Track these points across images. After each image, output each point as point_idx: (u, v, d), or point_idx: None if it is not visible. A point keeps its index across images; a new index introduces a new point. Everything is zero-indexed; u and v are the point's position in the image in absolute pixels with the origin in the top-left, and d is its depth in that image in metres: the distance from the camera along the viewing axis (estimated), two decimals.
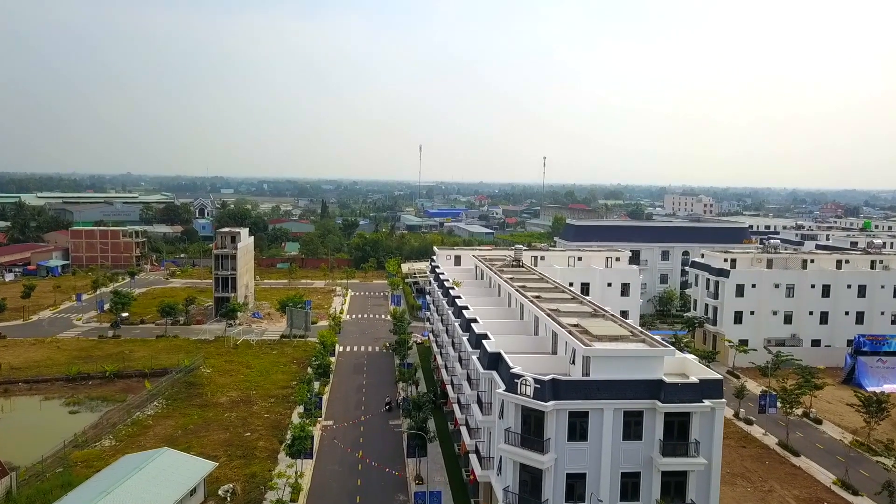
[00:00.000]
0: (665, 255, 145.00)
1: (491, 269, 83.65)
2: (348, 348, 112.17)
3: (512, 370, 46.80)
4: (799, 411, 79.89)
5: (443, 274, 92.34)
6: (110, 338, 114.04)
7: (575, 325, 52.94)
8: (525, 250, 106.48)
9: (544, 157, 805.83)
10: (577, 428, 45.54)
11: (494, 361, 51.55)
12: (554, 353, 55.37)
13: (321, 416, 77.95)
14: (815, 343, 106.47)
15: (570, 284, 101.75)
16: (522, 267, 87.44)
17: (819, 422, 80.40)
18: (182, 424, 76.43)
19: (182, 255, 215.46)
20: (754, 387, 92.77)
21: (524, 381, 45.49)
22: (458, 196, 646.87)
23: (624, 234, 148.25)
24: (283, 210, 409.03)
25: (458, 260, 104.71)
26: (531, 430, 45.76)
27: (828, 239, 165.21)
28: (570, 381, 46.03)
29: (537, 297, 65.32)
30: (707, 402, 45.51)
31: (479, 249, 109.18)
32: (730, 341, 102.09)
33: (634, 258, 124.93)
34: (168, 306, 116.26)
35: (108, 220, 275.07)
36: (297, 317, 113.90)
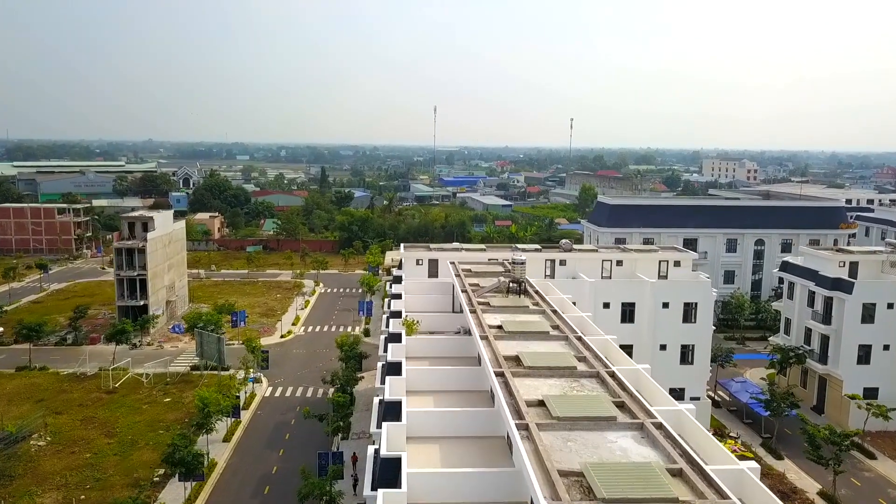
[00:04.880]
0: (731, 246, 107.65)
1: (470, 302, 47.99)
2: (278, 392, 77.43)
3: None
4: None
5: (399, 298, 56.86)
6: None
7: None
8: (535, 252, 70.57)
9: (571, 119, 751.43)
10: None
11: None
12: None
13: None
14: None
15: (606, 306, 66.33)
16: (524, 294, 51.49)
17: None
18: None
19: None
20: None
21: None
22: (480, 161, 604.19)
23: (673, 215, 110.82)
24: (288, 178, 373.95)
25: (433, 267, 68.78)
26: None
27: None
28: None
29: (539, 406, 29.70)
30: None
31: (467, 251, 72.24)
32: (855, 396, 65.69)
33: (689, 249, 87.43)
34: (28, 327, 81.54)
35: (79, 193, 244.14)
36: (207, 343, 79.35)
